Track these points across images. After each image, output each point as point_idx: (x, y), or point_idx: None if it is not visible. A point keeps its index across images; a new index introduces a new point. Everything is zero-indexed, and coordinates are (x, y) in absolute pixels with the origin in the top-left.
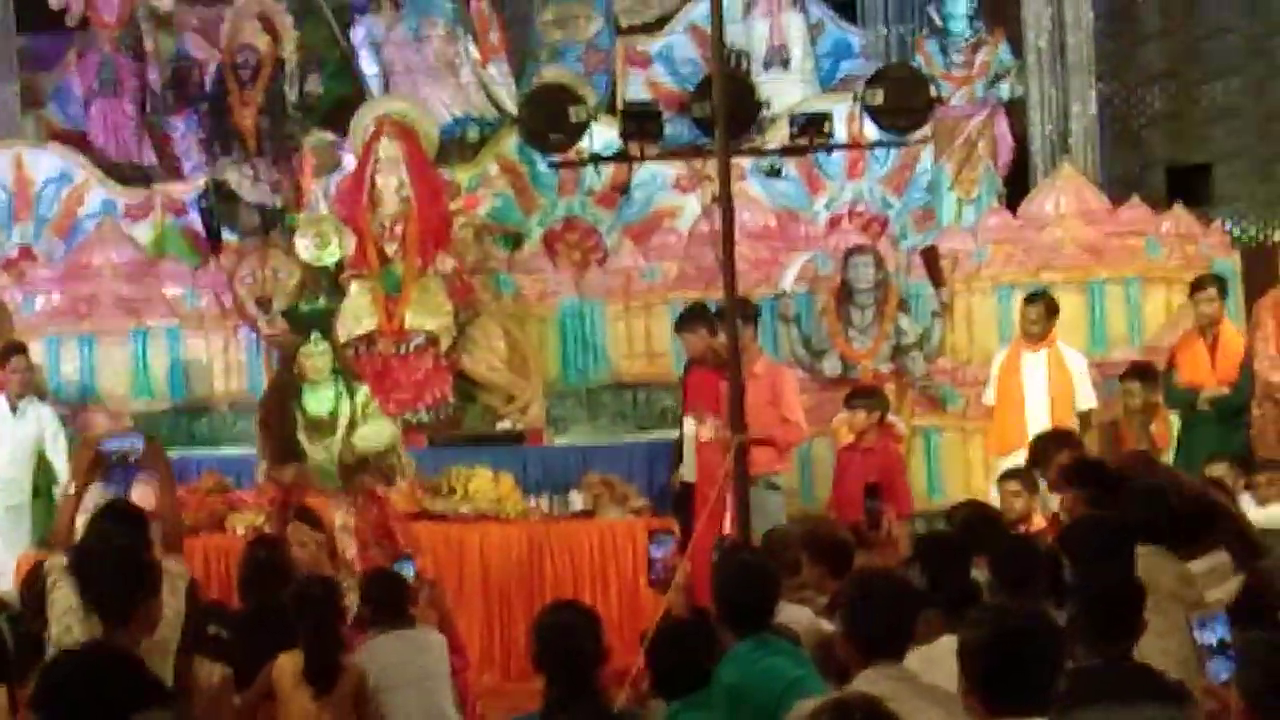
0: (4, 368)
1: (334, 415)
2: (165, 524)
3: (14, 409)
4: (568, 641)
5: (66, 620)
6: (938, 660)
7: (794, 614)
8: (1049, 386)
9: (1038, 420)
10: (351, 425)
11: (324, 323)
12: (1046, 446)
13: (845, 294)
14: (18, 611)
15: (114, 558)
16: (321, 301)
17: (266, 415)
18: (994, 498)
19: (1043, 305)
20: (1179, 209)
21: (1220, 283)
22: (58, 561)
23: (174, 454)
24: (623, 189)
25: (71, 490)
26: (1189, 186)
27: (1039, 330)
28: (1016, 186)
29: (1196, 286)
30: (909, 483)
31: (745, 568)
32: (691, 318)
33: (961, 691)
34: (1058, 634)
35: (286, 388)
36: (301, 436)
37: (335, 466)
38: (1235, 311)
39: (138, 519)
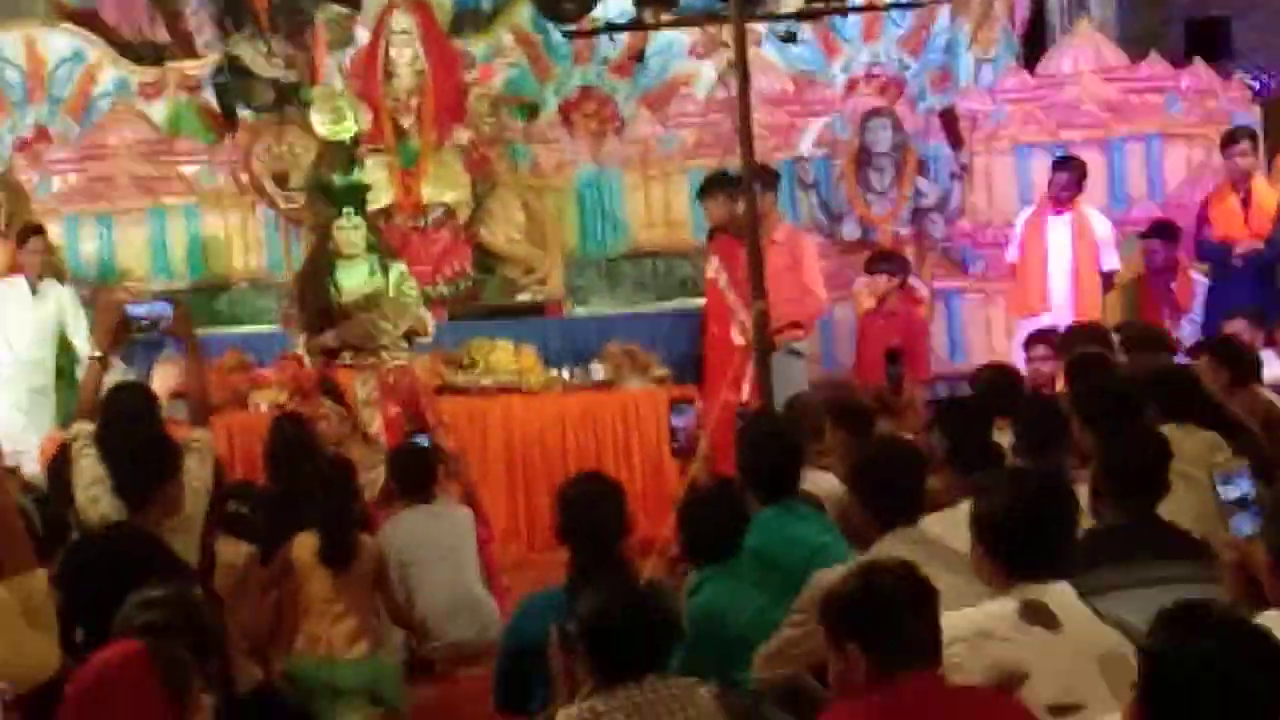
0: (22, 249)
1: (368, 293)
2: (193, 395)
3: (34, 290)
4: (592, 513)
5: (94, 491)
6: (960, 523)
7: (819, 480)
8: (1073, 250)
9: (1060, 283)
10: (386, 303)
11: (358, 197)
12: (1077, 341)
13: (863, 157)
14: (44, 493)
15: (133, 441)
16: (355, 174)
17: (302, 290)
18: (1017, 359)
19: (1072, 171)
20: (1198, 63)
21: (1252, 136)
22: (84, 429)
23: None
24: (638, 57)
25: (96, 355)
26: (1208, 40)
27: (1068, 196)
28: (1034, 45)
29: (1229, 140)
30: (930, 346)
31: (769, 435)
32: (713, 185)
33: (976, 558)
34: (1070, 496)
35: (321, 262)
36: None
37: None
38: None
39: (150, 400)
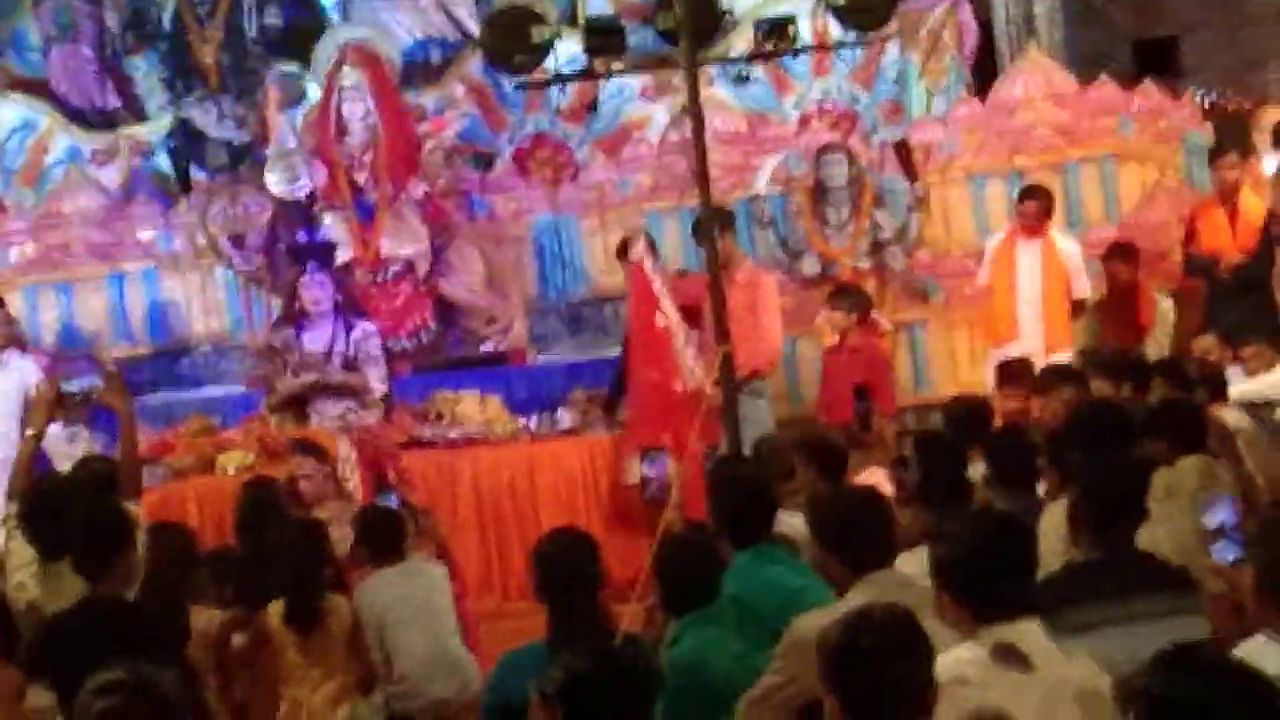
0: None
1: (329, 354)
2: (123, 466)
3: None
4: (568, 569)
5: (19, 576)
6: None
7: (792, 521)
8: (1044, 276)
9: (1030, 311)
10: (346, 363)
11: (324, 255)
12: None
13: (820, 193)
14: None
15: (86, 515)
16: (321, 234)
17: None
18: (987, 386)
19: (1040, 199)
20: (1148, 84)
21: (1241, 149)
22: (11, 511)
23: (158, 397)
24: (591, 106)
25: (30, 433)
26: (1157, 60)
27: (1038, 224)
28: (984, 73)
29: (1218, 153)
30: (895, 378)
31: (740, 480)
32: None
33: (942, 603)
34: (1031, 535)
35: (285, 323)
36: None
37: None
38: (1207, 184)
39: (109, 473)
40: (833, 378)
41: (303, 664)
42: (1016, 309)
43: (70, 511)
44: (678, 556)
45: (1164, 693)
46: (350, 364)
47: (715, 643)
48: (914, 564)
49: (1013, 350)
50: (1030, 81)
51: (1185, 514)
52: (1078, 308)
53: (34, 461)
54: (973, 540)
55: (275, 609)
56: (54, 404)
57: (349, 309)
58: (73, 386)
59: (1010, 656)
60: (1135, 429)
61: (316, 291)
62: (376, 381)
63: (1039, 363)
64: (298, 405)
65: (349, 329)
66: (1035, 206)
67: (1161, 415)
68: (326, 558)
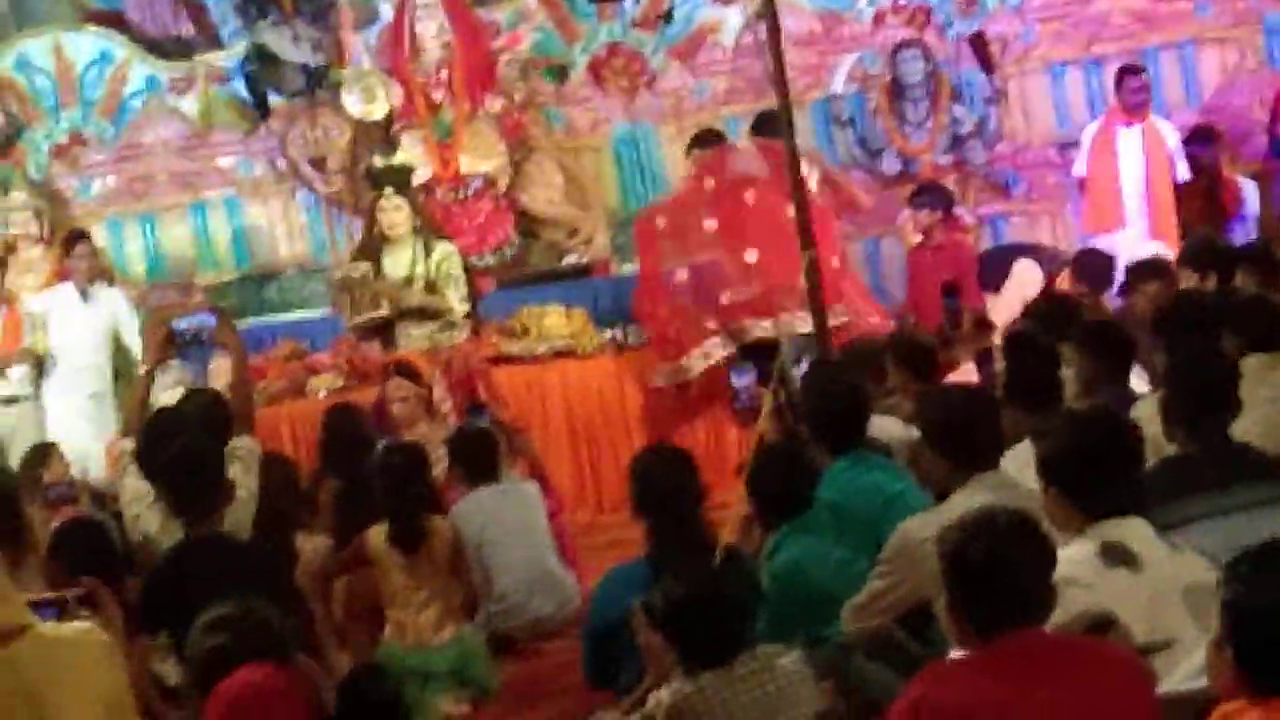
0: (69, 256)
1: (410, 278)
2: (236, 402)
3: (84, 295)
4: (667, 484)
5: (135, 508)
6: (1029, 461)
7: (884, 425)
8: (1146, 161)
9: (1134, 198)
10: (428, 286)
11: (399, 178)
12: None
13: (897, 90)
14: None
15: (195, 463)
16: (399, 157)
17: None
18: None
19: (1144, 75)
20: None
21: None
22: (126, 446)
23: (246, 323)
24: (665, 16)
25: (142, 371)
26: None
27: (1143, 102)
28: None
29: None
30: None
31: (832, 387)
32: (705, 139)
33: (1048, 502)
34: (1133, 430)
35: (366, 248)
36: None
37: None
38: None
39: (222, 406)
40: (919, 276)
41: (407, 585)
42: (1121, 196)
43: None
44: (770, 466)
45: (1245, 600)
46: (431, 285)
47: (814, 551)
48: (1011, 466)
49: (1119, 239)
50: None
51: (1277, 404)
52: (1177, 192)
53: (148, 396)
54: (1078, 437)
55: (377, 532)
56: (166, 341)
57: (428, 230)
58: (184, 324)
59: (1118, 555)
60: (1217, 321)
61: (393, 215)
62: (456, 301)
63: (1146, 250)
64: (383, 330)
65: (429, 251)
66: (1140, 82)
67: (1239, 311)
68: (425, 479)
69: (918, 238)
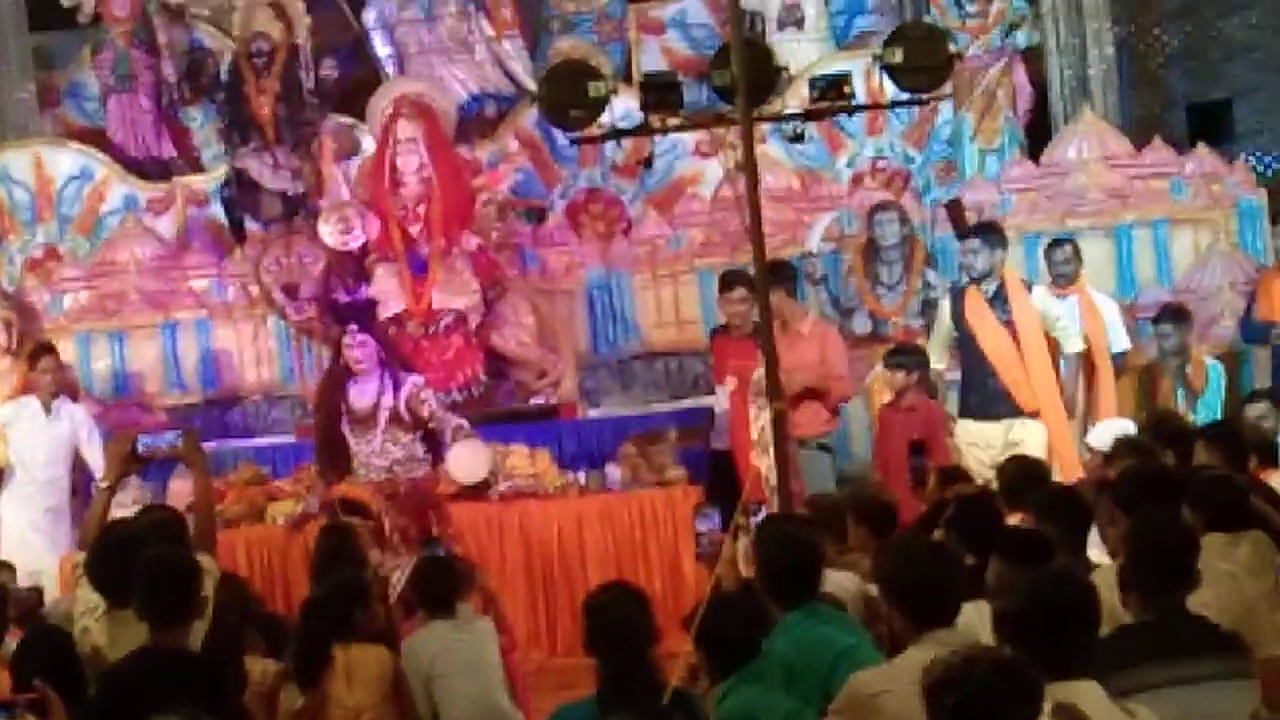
0: (34, 369)
1: (375, 407)
2: (199, 520)
3: (47, 409)
4: (620, 623)
5: (85, 621)
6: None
7: (839, 580)
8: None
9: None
10: (393, 419)
11: (366, 312)
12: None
13: (872, 251)
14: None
15: (155, 562)
16: (364, 290)
17: (315, 409)
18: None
19: (1070, 247)
20: (1202, 148)
21: None
22: (79, 558)
23: (209, 446)
24: (646, 162)
25: (103, 487)
26: (1211, 124)
27: (1071, 270)
28: (1038, 134)
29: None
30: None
31: (789, 539)
32: (736, 280)
33: None
34: (1092, 593)
35: (333, 381)
36: (346, 430)
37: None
38: (1264, 249)
39: (179, 523)
40: (889, 435)
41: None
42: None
43: (137, 558)
44: (722, 612)
45: None
46: (397, 418)
47: (762, 700)
48: (970, 613)
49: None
50: (1084, 144)
51: (1236, 580)
52: (1118, 365)
53: (107, 511)
54: (1037, 596)
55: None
56: (129, 458)
57: (396, 364)
58: (148, 441)
59: (1070, 717)
60: (1179, 494)
61: (358, 352)
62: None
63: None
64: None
65: (397, 384)
66: (1064, 253)
67: (1202, 487)
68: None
69: (888, 396)
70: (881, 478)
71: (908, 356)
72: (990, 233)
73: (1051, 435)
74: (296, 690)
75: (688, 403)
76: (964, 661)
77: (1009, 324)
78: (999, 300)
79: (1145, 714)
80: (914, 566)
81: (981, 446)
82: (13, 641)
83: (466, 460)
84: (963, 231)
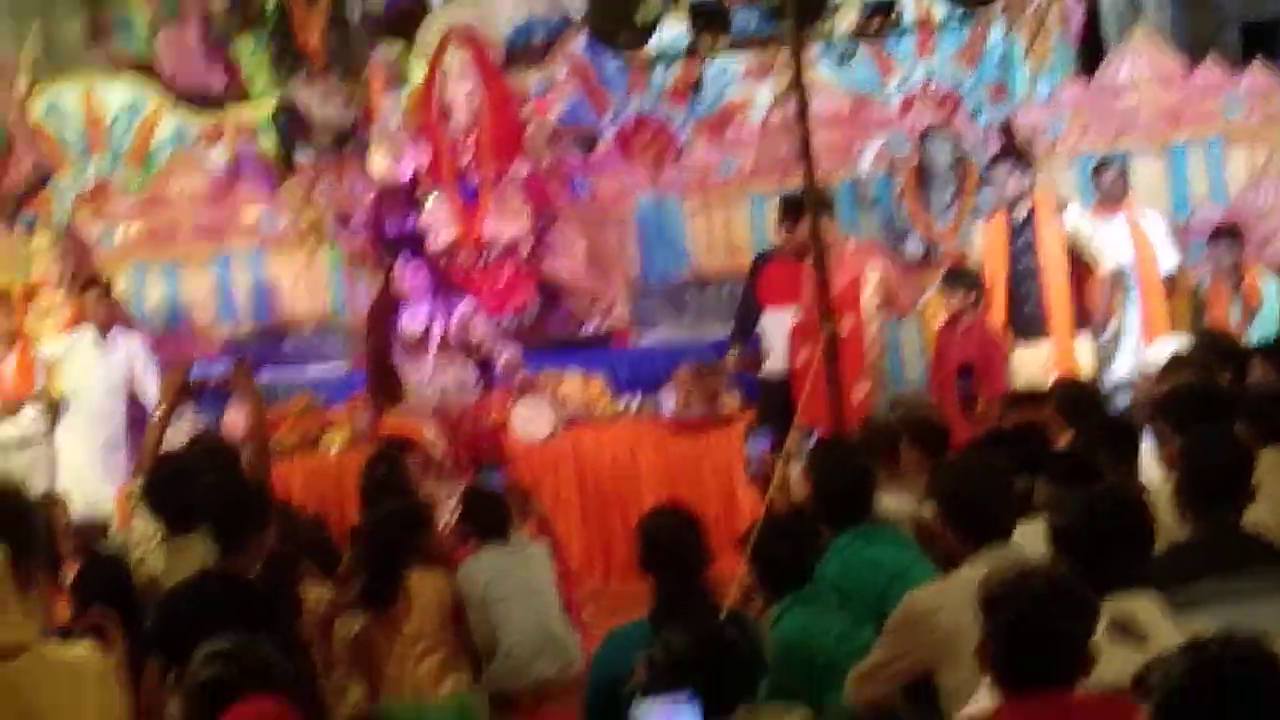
0: (85, 300)
1: (426, 332)
2: (253, 450)
3: (101, 340)
4: (672, 544)
5: (140, 550)
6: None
7: (893, 504)
8: (1133, 253)
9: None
10: (443, 345)
11: (415, 244)
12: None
13: (923, 174)
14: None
15: (234, 489)
16: (415, 220)
17: (367, 336)
18: None
19: (1117, 167)
20: (1256, 65)
21: None
22: (136, 488)
23: (262, 376)
24: (694, 86)
25: (158, 416)
26: (1264, 42)
27: (1118, 190)
28: (1090, 55)
29: None
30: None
31: (840, 463)
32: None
33: None
34: (1144, 508)
35: (384, 308)
36: (397, 357)
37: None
38: None
39: (230, 451)
40: (944, 357)
41: (398, 640)
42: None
43: (193, 486)
44: (775, 535)
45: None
46: (447, 345)
47: (817, 622)
48: (1023, 537)
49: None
50: (1136, 63)
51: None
52: (1168, 284)
53: (162, 440)
54: (1090, 512)
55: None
56: (183, 389)
57: (447, 291)
58: (201, 372)
59: (1126, 630)
60: (1232, 411)
61: (410, 279)
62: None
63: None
64: (394, 382)
65: (449, 311)
66: (1113, 173)
67: (1256, 402)
68: (409, 540)
69: (943, 317)
70: (936, 400)
71: (964, 278)
72: (1019, 156)
73: (1057, 354)
74: (352, 617)
75: None
76: (1019, 576)
77: (1031, 247)
78: (1029, 224)
79: (1199, 626)
80: (969, 483)
81: None
82: (71, 572)
83: (529, 420)
84: (994, 157)
